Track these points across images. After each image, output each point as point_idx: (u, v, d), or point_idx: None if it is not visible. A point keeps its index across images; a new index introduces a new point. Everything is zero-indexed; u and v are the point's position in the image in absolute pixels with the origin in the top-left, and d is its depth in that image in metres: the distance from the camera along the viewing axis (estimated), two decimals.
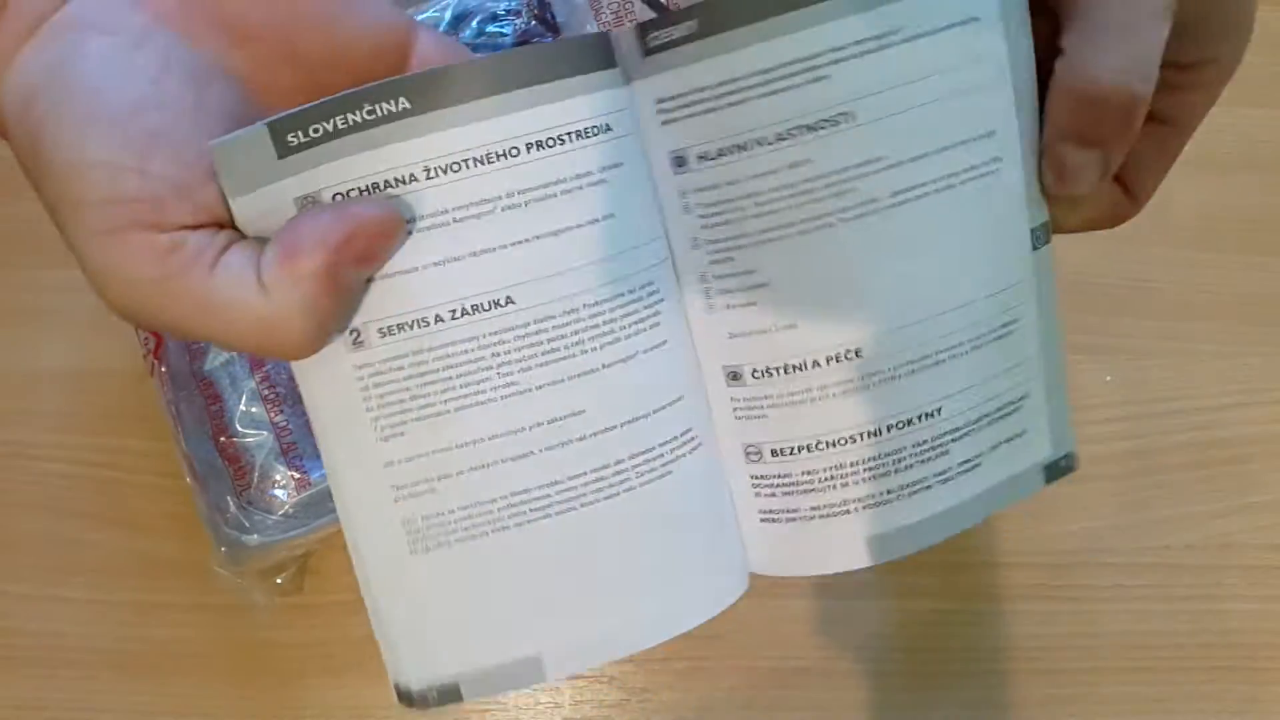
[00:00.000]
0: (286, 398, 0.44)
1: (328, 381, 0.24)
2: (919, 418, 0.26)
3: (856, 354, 0.25)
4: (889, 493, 0.27)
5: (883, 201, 0.24)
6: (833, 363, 0.25)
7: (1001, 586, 0.47)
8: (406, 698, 0.26)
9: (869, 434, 0.26)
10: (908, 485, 0.27)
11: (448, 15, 0.47)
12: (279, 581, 0.45)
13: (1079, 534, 0.48)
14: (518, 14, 0.47)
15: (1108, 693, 0.46)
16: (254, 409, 0.44)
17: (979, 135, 0.24)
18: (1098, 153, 0.24)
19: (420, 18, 0.42)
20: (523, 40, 0.47)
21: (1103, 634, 0.47)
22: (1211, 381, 0.50)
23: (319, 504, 0.44)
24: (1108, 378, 0.50)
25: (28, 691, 0.46)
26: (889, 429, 0.26)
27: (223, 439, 0.44)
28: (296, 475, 0.44)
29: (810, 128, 0.23)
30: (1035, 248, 0.26)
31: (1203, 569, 0.48)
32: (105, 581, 0.47)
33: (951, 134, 0.24)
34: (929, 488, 0.27)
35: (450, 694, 0.25)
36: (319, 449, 0.25)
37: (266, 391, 0.44)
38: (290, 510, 0.43)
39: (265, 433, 0.44)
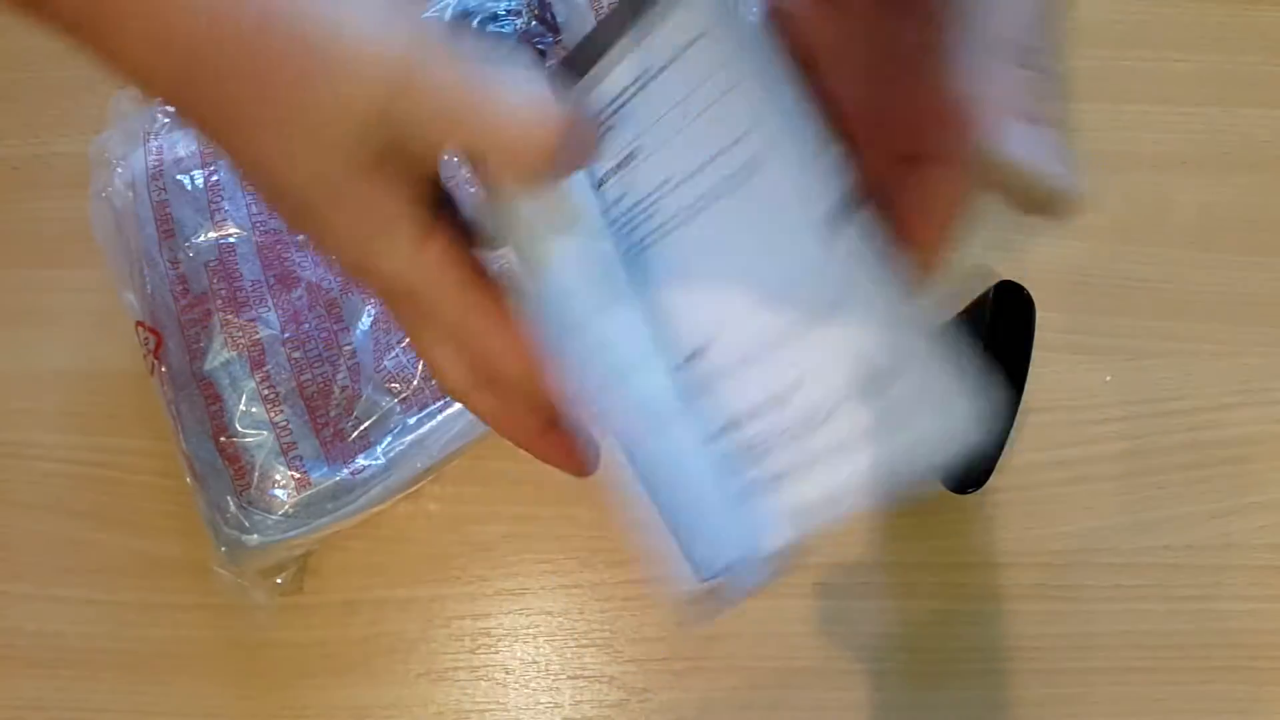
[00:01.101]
0: (286, 397, 0.44)
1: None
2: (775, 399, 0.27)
3: (700, 353, 0.27)
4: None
5: (679, 217, 0.27)
6: (690, 361, 0.28)
7: (1001, 586, 0.47)
8: (702, 597, 0.26)
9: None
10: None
11: (447, 15, 0.47)
12: (279, 581, 0.45)
13: (1079, 534, 0.48)
14: (518, 14, 0.47)
15: (1107, 692, 0.46)
16: (254, 409, 0.44)
17: (732, 141, 0.26)
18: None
19: (422, 17, 0.42)
20: (523, 40, 0.47)
21: (1102, 634, 0.47)
22: (1211, 381, 0.50)
23: (319, 504, 0.44)
24: (1108, 378, 0.50)
25: (28, 691, 0.46)
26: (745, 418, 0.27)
27: (223, 439, 0.44)
28: (296, 475, 0.44)
29: (617, 167, 0.27)
30: (834, 223, 0.25)
31: (1203, 569, 0.48)
32: (105, 581, 0.47)
33: (713, 144, 0.26)
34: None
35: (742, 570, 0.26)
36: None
37: (266, 391, 0.44)
38: (290, 510, 0.44)
39: (265, 433, 0.44)
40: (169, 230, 0.45)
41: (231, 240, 0.45)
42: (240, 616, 0.46)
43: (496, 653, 0.47)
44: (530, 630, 0.47)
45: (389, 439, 0.45)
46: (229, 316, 0.44)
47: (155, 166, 0.45)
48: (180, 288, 0.44)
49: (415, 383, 0.45)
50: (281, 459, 0.44)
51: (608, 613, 0.47)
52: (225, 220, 0.45)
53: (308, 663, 0.46)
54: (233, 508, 0.43)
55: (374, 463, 0.44)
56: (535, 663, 0.47)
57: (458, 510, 0.48)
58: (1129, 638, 0.47)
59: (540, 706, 0.46)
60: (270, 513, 0.43)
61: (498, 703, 0.46)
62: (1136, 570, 0.48)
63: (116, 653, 0.47)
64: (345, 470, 0.44)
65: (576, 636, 0.47)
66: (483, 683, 0.46)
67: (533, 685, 0.46)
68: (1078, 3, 0.53)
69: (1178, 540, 0.48)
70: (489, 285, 0.25)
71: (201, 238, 0.45)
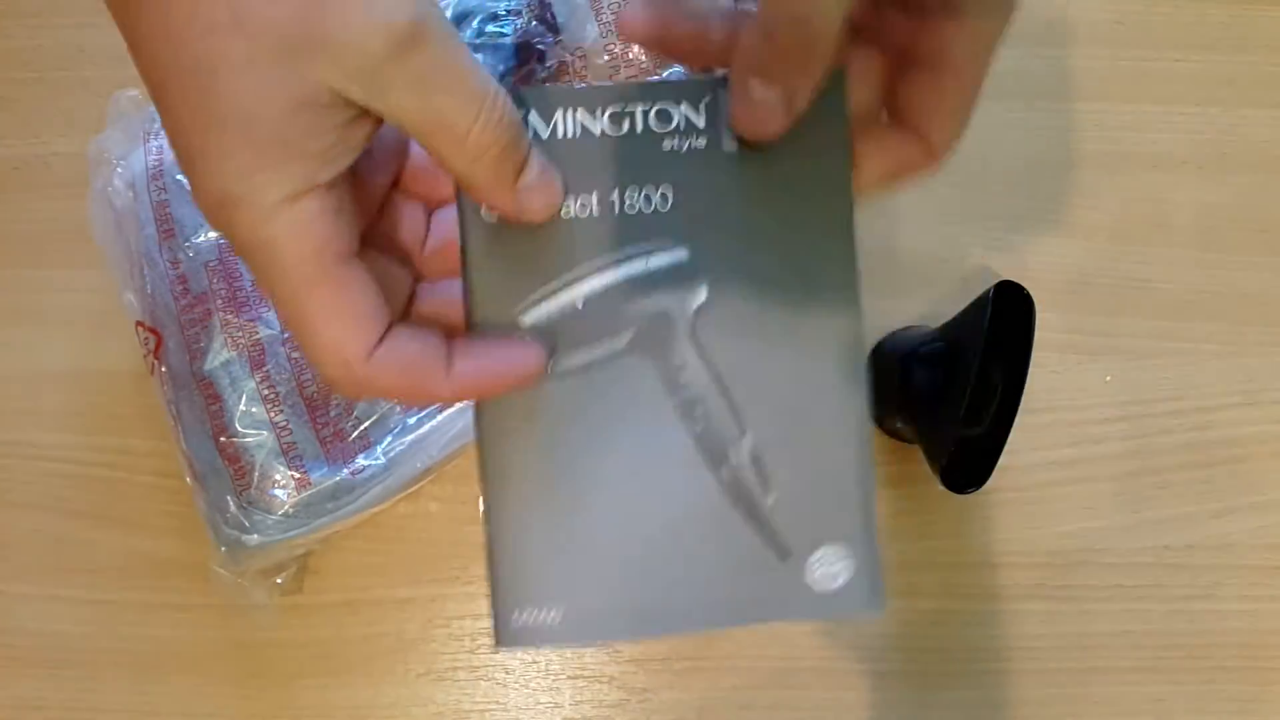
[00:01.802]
0: (286, 398, 0.44)
1: None
2: None
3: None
4: None
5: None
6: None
7: (1001, 586, 0.47)
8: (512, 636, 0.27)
9: None
10: None
11: (448, 15, 0.47)
12: (279, 581, 0.45)
13: (1079, 534, 0.48)
14: (518, 14, 0.47)
15: (1107, 692, 0.46)
16: (254, 409, 0.44)
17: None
18: (779, 89, 0.23)
19: None
20: (523, 40, 0.47)
21: (1102, 634, 0.47)
22: (1211, 381, 0.50)
23: (319, 504, 0.44)
24: (1108, 378, 0.50)
25: (28, 691, 0.46)
26: None
27: (223, 439, 0.44)
28: (296, 475, 0.44)
29: None
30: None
31: (1203, 569, 0.48)
32: (105, 581, 0.47)
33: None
34: None
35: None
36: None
37: (266, 391, 0.44)
38: (290, 510, 0.43)
39: (265, 433, 0.44)
40: (169, 230, 0.45)
41: None
42: (240, 616, 0.46)
43: (496, 653, 0.47)
44: None
45: (389, 439, 0.45)
46: (229, 316, 0.44)
47: (155, 166, 0.45)
48: (180, 288, 0.44)
49: None
50: (281, 459, 0.44)
51: None
52: None
53: (307, 663, 0.46)
54: (233, 508, 0.43)
55: (374, 463, 0.44)
56: (535, 663, 0.47)
57: (458, 510, 0.48)
58: (1129, 638, 0.47)
59: (540, 706, 0.46)
60: (270, 513, 0.43)
61: (498, 703, 0.46)
62: (1136, 570, 0.48)
63: (116, 653, 0.47)
64: (345, 470, 0.44)
65: None
66: (483, 683, 0.46)
67: (533, 685, 0.46)
68: (1079, 3, 0.53)
69: (1178, 540, 0.48)
70: (350, 273, 0.23)
71: (201, 238, 0.45)
